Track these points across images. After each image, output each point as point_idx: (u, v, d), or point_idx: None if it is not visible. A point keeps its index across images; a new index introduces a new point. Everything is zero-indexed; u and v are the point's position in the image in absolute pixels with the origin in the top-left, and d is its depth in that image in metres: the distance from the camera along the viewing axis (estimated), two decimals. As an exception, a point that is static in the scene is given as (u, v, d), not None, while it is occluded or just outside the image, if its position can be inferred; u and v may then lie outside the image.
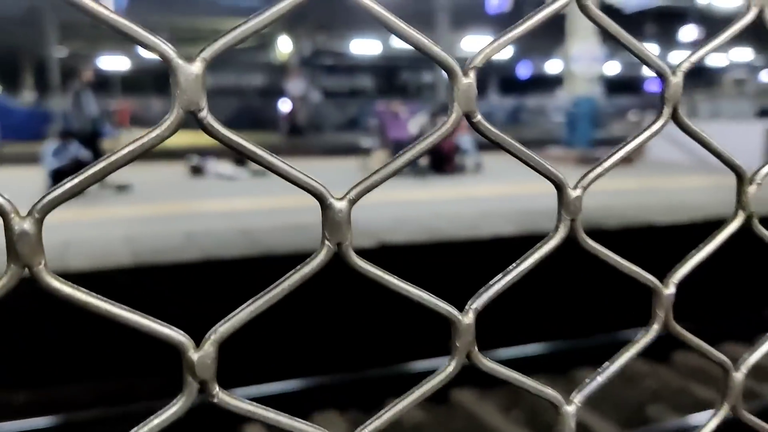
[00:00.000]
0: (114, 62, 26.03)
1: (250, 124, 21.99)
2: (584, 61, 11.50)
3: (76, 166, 8.30)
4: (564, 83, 12.85)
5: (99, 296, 0.26)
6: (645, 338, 0.38)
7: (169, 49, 0.27)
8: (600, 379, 0.38)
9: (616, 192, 7.41)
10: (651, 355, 5.42)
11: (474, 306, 0.33)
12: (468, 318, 0.33)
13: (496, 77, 31.45)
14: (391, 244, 5.09)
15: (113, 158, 0.27)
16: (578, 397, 0.38)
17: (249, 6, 18.09)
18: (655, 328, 0.38)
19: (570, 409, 0.38)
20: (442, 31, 18.23)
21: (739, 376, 0.41)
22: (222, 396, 0.28)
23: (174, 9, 15.33)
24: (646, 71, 32.98)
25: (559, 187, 0.37)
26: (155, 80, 26.28)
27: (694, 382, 5.13)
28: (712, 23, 19.06)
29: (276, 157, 0.30)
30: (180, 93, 0.27)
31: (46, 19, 17.99)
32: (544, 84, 28.11)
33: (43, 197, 0.27)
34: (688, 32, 21.45)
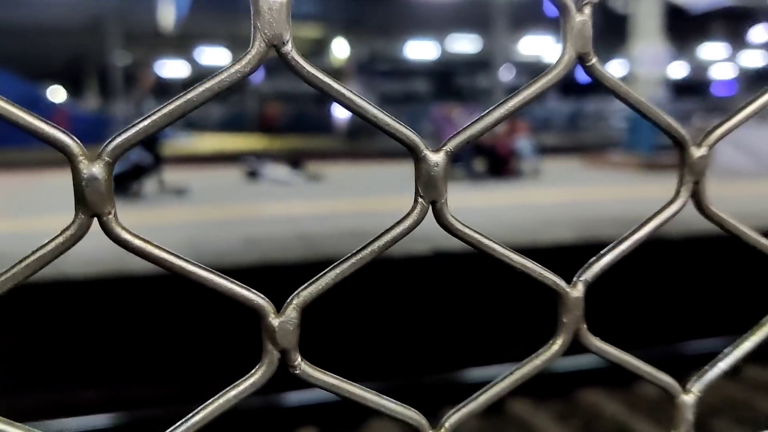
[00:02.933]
0: (174, 69, 26.70)
1: (307, 128, 22.24)
2: (648, 63, 11.20)
3: (137, 170, 8.51)
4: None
5: (173, 252, 0.23)
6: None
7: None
8: (722, 365, 0.33)
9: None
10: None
11: (583, 278, 0.30)
12: (577, 291, 0.29)
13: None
14: (446, 251, 5.02)
15: (190, 96, 0.24)
16: (696, 387, 0.34)
17: (306, 12, 18.33)
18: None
19: (688, 399, 0.34)
20: (500, 33, 18.08)
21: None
22: (304, 367, 0.25)
23: (233, 16, 15.64)
24: (713, 74, 31.92)
25: (682, 145, 0.32)
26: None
27: (761, 395, 4.95)
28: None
29: (366, 100, 0.26)
30: (262, 24, 0.24)
31: (109, 28, 18.61)
32: (606, 87, 27.46)
33: (114, 138, 0.24)
34: (759, 33, 20.66)
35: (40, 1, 15.15)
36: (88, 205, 0.22)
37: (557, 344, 0.30)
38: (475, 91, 30.55)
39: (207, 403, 0.25)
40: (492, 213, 6.64)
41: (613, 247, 0.30)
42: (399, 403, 0.29)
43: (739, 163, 9.71)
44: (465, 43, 24.90)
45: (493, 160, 9.56)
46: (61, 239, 0.22)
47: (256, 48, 0.24)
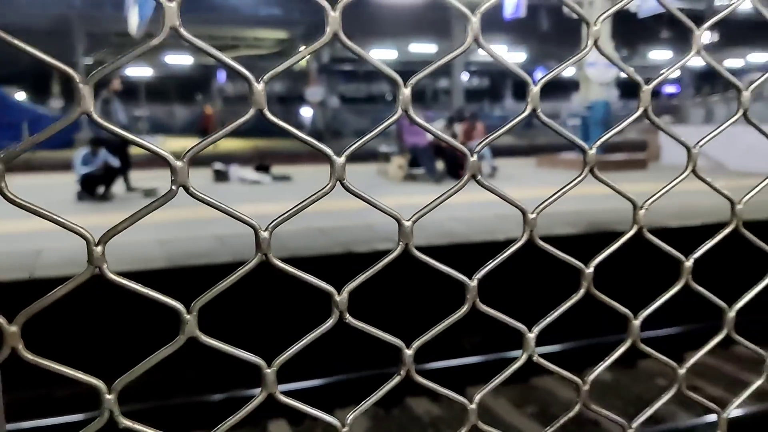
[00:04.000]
0: (138, 71, 26.62)
1: (272, 130, 22.42)
2: (599, 66, 11.72)
3: (105, 172, 8.64)
4: (579, 88, 13.06)
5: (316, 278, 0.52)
6: (573, 298, 0.65)
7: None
8: (548, 319, 0.65)
9: (634, 194, 7.59)
10: (663, 354, 5.62)
11: (477, 276, 0.60)
12: (473, 282, 0.60)
13: (511, 82, 31.64)
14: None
15: None
16: (536, 329, 0.65)
17: (269, 14, 18.49)
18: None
19: (531, 336, 0.65)
20: (459, 37, 18.50)
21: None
22: (350, 318, 0.55)
23: (198, 19, 15.78)
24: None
25: (523, 212, 0.63)
26: (176, 87, 26.81)
27: (705, 380, 5.34)
28: (728, 26, 19.12)
29: (360, 189, 0.56)
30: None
31: (73, 29, 18.52)
32: (560, 89, 28.30)
33: (274, 220, 0.54)
34: (703, 35, 21.40)
35: (4, 1, 15.08)
36: (261, 249, 0.53)
37: (464, 308, 0.60)
38: (435, 93, 31.08)
39: (296, 343, 0.55)
40: (452, 211, 6.98)
41: (494, 260, 0.61)
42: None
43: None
44: (425, 47, 25.41)
45: (452, 162, 9.92)
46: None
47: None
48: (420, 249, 0.59)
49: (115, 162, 8.72)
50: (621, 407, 4.90)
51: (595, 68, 11.79)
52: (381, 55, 26.77)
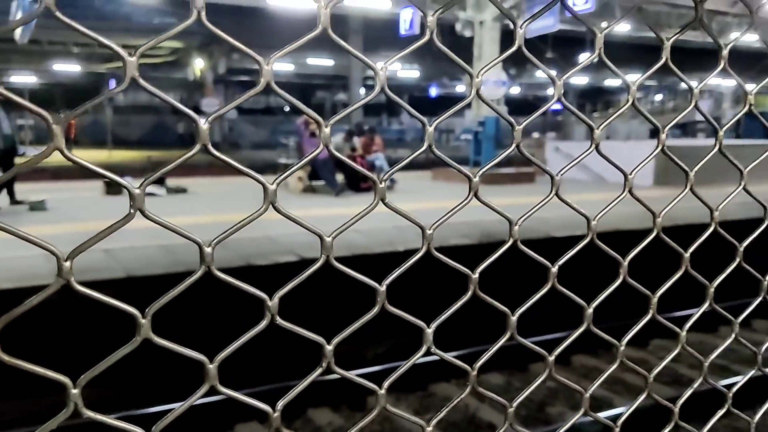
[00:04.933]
0: (22, 78, 25.29)
1: (166, 141, 21.95)
2: (489, 84, 12.28)
3: (-12, 184, 8.22)
4: (471, 105, 13.59)
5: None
6: (462, 299, 0.79)
7: None
8: (450, 310, 0.78)
9: (519, 206, 7.99)
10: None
11: (388, 280, 0.73)
12: (383, 287, 0.72)
13: (407, 97, 32.38)
14: (311, 259, 5.43)
15: None
16: (433, 326, 0.79)
17: (161, 22, 18.09)
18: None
19: (429, 331, 0.78)
20: (356, 51, 18.76)
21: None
22: (279, 320, 0.66)
23: (87, 26, 15.22)
24: (547, 93, 34.89)
25: (422, 228, 0.76)
26: (63, 95, 25.66)
27: (590, 382, 5.71)
28: (607, 47, 20.34)
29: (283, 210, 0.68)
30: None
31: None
32: (454, 105, 29.17)
33: (216, 237, 0.64)
34: (584, 55, 22.77)
35: None
36: (204, 262, 0.62)
37: (375, 309, 0.72)
38: (334, 106, 31.35)
39: (233, 342, 0.65)
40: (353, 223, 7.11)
41: (402, 266, 0.74)
42: None
43: (575, 176, 10.92)
44: (324, 60, 25.61)
45: (352, 175, 10.08)
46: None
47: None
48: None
49: (-2, 173, 8.30)
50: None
51: (486, 86, 12.36)
52: (277, 67, 26.74)
